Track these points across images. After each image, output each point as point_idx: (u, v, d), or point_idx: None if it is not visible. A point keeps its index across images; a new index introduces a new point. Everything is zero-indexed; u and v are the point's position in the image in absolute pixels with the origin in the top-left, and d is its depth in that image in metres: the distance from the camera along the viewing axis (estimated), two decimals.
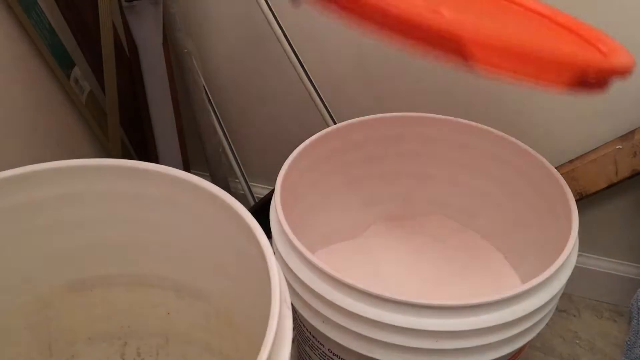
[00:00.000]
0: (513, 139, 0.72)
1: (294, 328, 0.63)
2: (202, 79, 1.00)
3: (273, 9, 0.88)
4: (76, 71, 0.97)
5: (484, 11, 0.55)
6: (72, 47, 0.96)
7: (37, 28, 0.86)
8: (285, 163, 0.67)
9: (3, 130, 0.84)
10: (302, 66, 0.90)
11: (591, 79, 0.42)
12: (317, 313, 0.55)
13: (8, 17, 0.83)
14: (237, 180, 1.09)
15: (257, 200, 1.08)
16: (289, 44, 0.89)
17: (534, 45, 0.42)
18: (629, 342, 0.56)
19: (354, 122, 0.75)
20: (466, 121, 0.75)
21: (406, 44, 0.42)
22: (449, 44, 0.41)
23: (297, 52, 0.89)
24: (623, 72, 0.45)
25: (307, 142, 0.70)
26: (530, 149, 0.69)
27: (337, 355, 0.59)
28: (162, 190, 0.50)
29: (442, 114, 0.77)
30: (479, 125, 0.74)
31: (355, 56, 0.95)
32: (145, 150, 1.09)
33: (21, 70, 0.87)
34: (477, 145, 0.73)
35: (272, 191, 0.63)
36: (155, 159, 1.05)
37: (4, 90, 0.84)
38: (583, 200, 0.86)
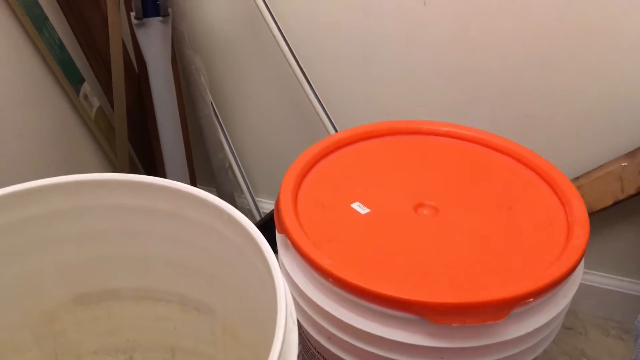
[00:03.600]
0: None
1: (299, 343, 0.63)
2: (209, 95, 1.01)
3: (279, 24, 0.89)
4: (85, 87, 0.98)
5: (462, 208, 0.63)
6: (81, 63, 0.97)
7: (48, 44, 0.88)
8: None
9: (13, 144, 0.85)
10: (306, 78, 0.91)
11: (530, 302, 0.51)
12: (322, 329, 0.55)
13: (19, 33, 0.84)
14: (243, 196, 1.10)
15: (262, 215, 1.09)
16: (296, 60, 0.90)
17: (475, 303, 0.49)
18: None
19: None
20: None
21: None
22: (409, 310, 0.50)
23: (303, 68, 0.90)
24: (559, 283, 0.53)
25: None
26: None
27: None
28: (169, 205, 0.51)
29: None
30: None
31: (360, 64, 0.95)
32: (152, 165, 1.10)
33: (31, 86, 0.88)
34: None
35: None
36: (162, 174, 1.05)
37: (13, 104, 0.85)
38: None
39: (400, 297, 0.49)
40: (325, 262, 0.53)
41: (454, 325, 0.49)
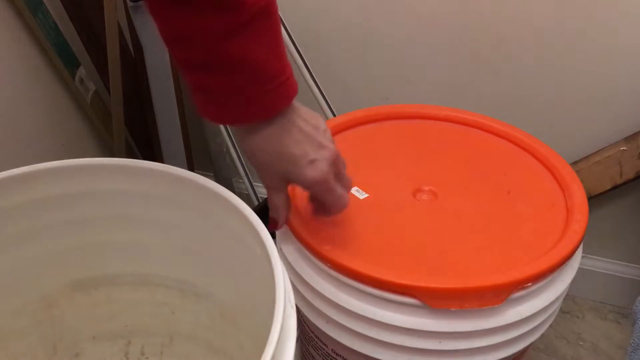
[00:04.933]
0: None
1: (297, 328, 0.64)
2: None
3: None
4: (81, 71, 0.97)
5: (460, 193, 0.63)
6: (77, 47, 0.96)
7: (43, 28, 0.87)
8: None
9: (8, 129, 0.84)
10: (304, 63, 0.90)
11: (528, 287, 0.51)
12: (320, 313, 0.55)
13: (14, 17, 0.83)
14: (240, 180, 1.10)
15: (260, 200, 1.09)
16: (294, 43, 0.89)
17: (474, 288, 0.49)
18: (632, 344, 0.56)
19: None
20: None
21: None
22: (408, 294, 0.50)
23: (300, 51, 0.90)
24: (561, 265, 0.53)
25: None
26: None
27: (340, 356, 0.59)
28: (167, 190, 0.50)
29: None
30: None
31: (358, 49, 0.95)
32: (149, 149, 1.09)
33: (27, 70, 0.88)
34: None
35: None
36: (159, 159, 1.05)
37: (9, 89, 0.84)
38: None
39: (399, 282, 0.49)
40: (324, 248, 0.53)
41: (452, 309, 0.49)
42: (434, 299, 0.49)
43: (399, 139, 0.73)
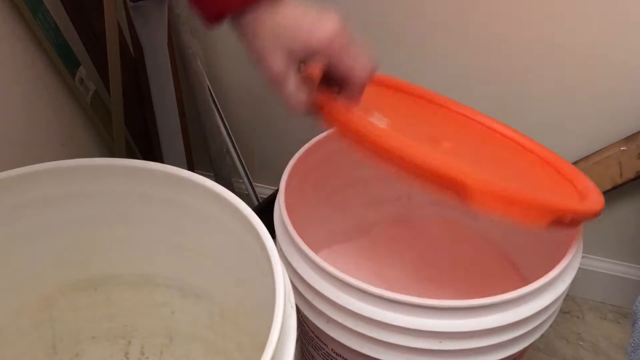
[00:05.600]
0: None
1: (297, 328, 0.64)
2: (206, 80, 1.00)
3: None
4: (81, 71, 0.97)
5: (479, 152, 0.62)
6: (77, 47, 0.96)
7: (43, 28, 0.87)
8: (289, 163, 0.67)
9: (8, 129, 0.84)
10: None
11: (566, 222, 0.49)
12: (320, 313, 0.55)
13: (14, 17, 0.83)
14: (240, 181, 1.10)
15: (260, 200, 1.09)
16: None
17: (524, 195, 0.47)
18: (632, 344, 0.56)
19: None
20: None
21: (405, 176, 0.47)
22: (450, 187, 0.46)
23: None
24: (594, 216, 0.54)
25: (311, 142, 0.70)
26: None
27: (340, 356, 0.59)
28: (167, 190, 0.50)
29: None
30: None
31: None
32: (149, 150, 1.09)
33: (26, 70, 0.87)
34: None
35: (276, 191, 0.63)
36: (159, 159, 1.05)
37: (9, 89, 0.84)
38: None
39: (447, 171, 0.46)
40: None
41: (496, 214, 0.46)
42: (483, 195, 0.45)
43: (419, 113, 0.71)
